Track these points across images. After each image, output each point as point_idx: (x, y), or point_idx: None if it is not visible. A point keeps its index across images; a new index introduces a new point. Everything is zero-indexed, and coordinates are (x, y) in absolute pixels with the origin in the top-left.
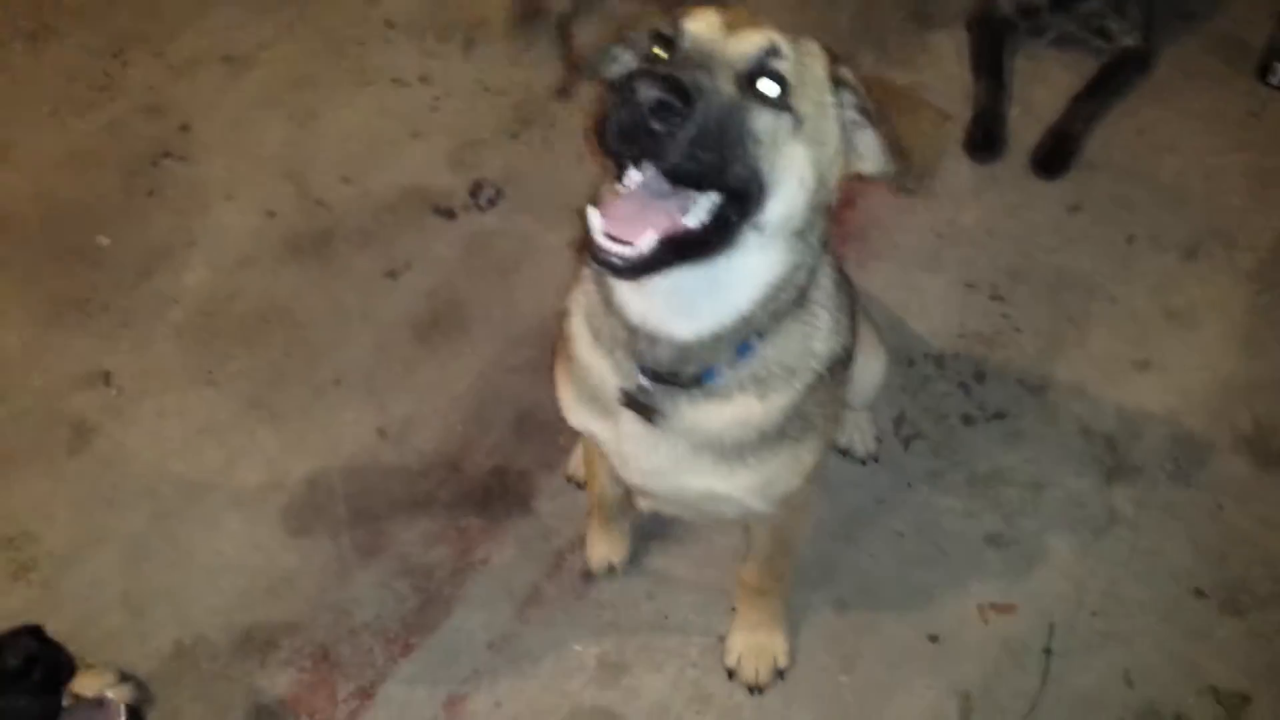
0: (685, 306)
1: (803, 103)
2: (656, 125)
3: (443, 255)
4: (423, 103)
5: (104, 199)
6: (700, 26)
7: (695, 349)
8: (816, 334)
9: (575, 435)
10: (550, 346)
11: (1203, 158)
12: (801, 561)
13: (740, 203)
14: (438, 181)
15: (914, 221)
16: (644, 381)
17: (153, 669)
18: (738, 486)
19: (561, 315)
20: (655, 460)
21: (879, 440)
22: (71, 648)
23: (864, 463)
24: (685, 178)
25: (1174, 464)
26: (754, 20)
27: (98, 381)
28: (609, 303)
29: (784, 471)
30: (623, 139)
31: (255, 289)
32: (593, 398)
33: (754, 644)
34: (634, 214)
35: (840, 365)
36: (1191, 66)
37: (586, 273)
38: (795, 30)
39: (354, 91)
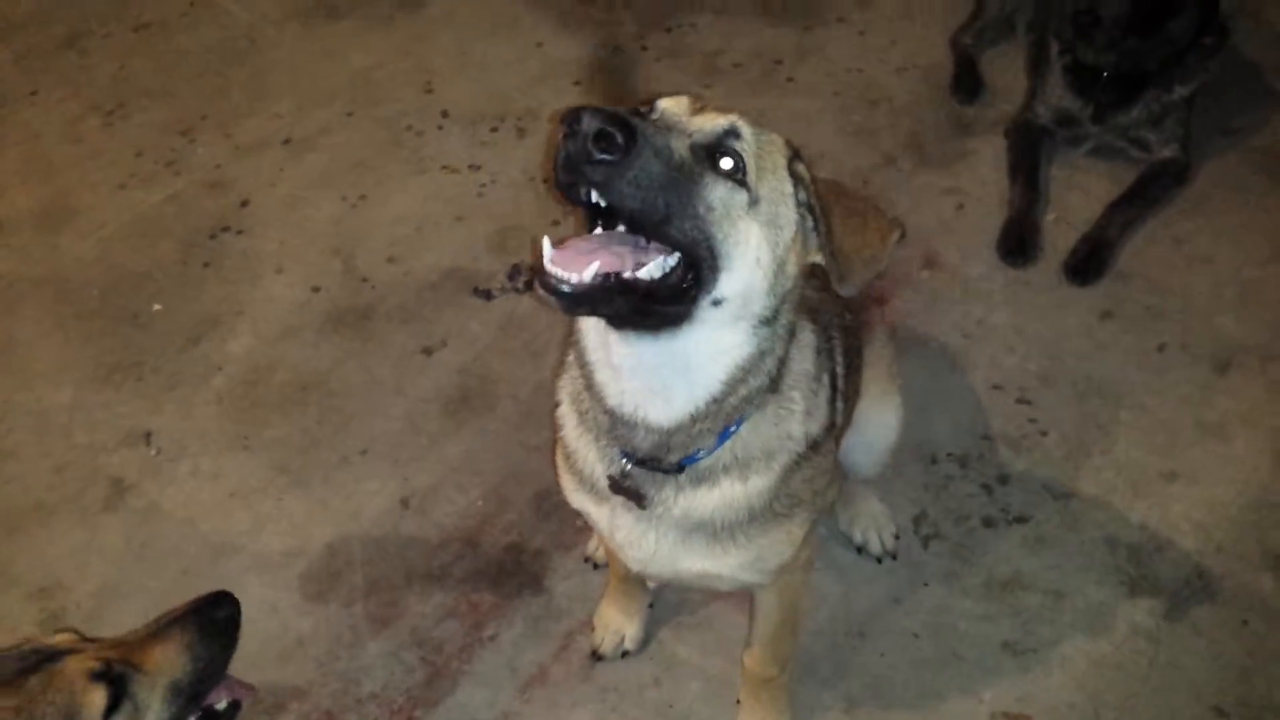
0: (657, 387)
1: (760, 185)
2: (597, 154)
3: (478, 334)
4: (470, 189)
5: (162, 268)
6: (670, 104)
7: (673, 434)
8: (792, 417)
9: None
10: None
11: (1238, 270)
12: (812, 657)
13: (695, 269)
14: (478, 264)
15: (943, 321)
16: (627, 467)
17: None
18: (730, 565)
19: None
20: (647, 546)
21: (898, 538)
22: None
23: (879, 560)
24: (632, 219)
25: (1199, 578)
26: (725, 109)
27: (139, 441)
28: (590, 386)
29: (775, 546)
30: (567, 168)
31: (296, 359)
32: (586, 482)
33: None
34: (586, 251)
35: (820, 443)
36: (1230, 180)
37: (572, 358)
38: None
39: (405, 176)
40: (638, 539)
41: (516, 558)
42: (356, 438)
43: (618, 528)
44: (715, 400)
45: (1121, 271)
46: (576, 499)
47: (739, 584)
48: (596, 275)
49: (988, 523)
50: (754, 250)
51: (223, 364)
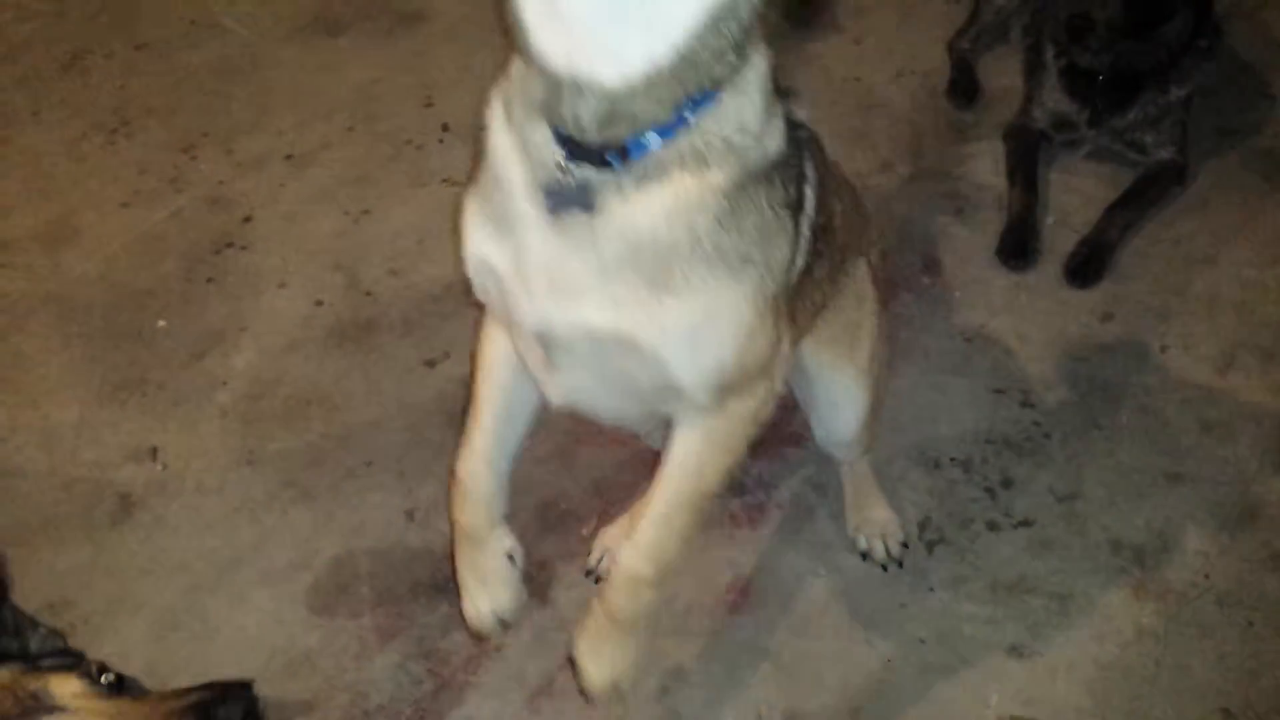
0: (610, 32)
1: None
2: None
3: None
4: None
5: (166, 285)
6: None
7: (625, 100)
8: (752, 112)
9: (598, 527)
10: (575, 434)
11: (1239, 270)
12: (817, 664)
13: None
14: None
15: (943, 326)
16: (563, 161)
17: None
18: (660, 327)
19: None
20: (566, 279)
21: (905, 546)
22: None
23: (884, 568)
24: None
25: (1205, 579)
26: None
27: (145, 457)
28: (528, 52)
29: (717, 318)
30: None
31: (299, 373)
32: (499, 215)
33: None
34: None
35: (779, 170)
36: (1229, 181)
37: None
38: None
39: (407, 190)
40: (555, 271)
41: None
42: (361, 450)
43: (529, 262)
44: (679, 53)
45: (1122, 273)
46: (477, 241)
47: (663, 386)
48: None
49: (992, 526)
50: None
51: (227, 379)
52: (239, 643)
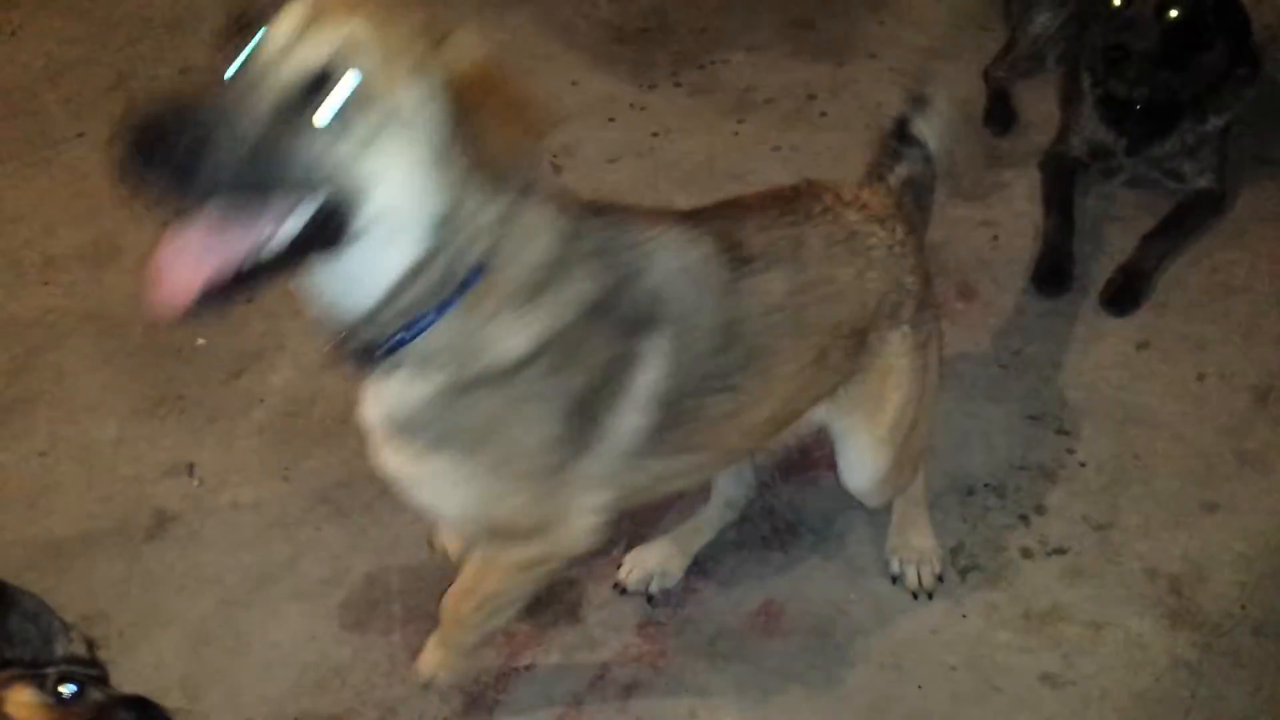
0: (329, 296)
1: (388, 98)
2: (156, 164)
3: None
4: None
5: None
6: (279, 30)
7: (356, 327)
8: (474, 327)
9: (627, 547)
10: None
11: (1277, 299)
12: (847, 689)
13: (344, 201)
14: None
15: (978, 351)
16: (340, 349)
17: None
18: (413, 477)
19: None
20: (374, 441)
21: (940, 579)
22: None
23: (915, 596)
24: (234, 203)
25: (1241, 610)
26: (348, 10)
27: (182, 472)
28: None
29: (455, 485)
30: (132, 175)
31: (336, 391)
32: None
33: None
34: (201, 248)
35: (523, 369)
36: (1268, 210)
37: None
38: None
39: None
40: (371, 423)
41: (552, 587)
42: None
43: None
44: (383, 303)
45: (1158, 301)
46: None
47: (449, 517)
48: (203, 291)
49: (1026, 554)
50: (400, 164)
51: (264, 396)
52: (271, 657)
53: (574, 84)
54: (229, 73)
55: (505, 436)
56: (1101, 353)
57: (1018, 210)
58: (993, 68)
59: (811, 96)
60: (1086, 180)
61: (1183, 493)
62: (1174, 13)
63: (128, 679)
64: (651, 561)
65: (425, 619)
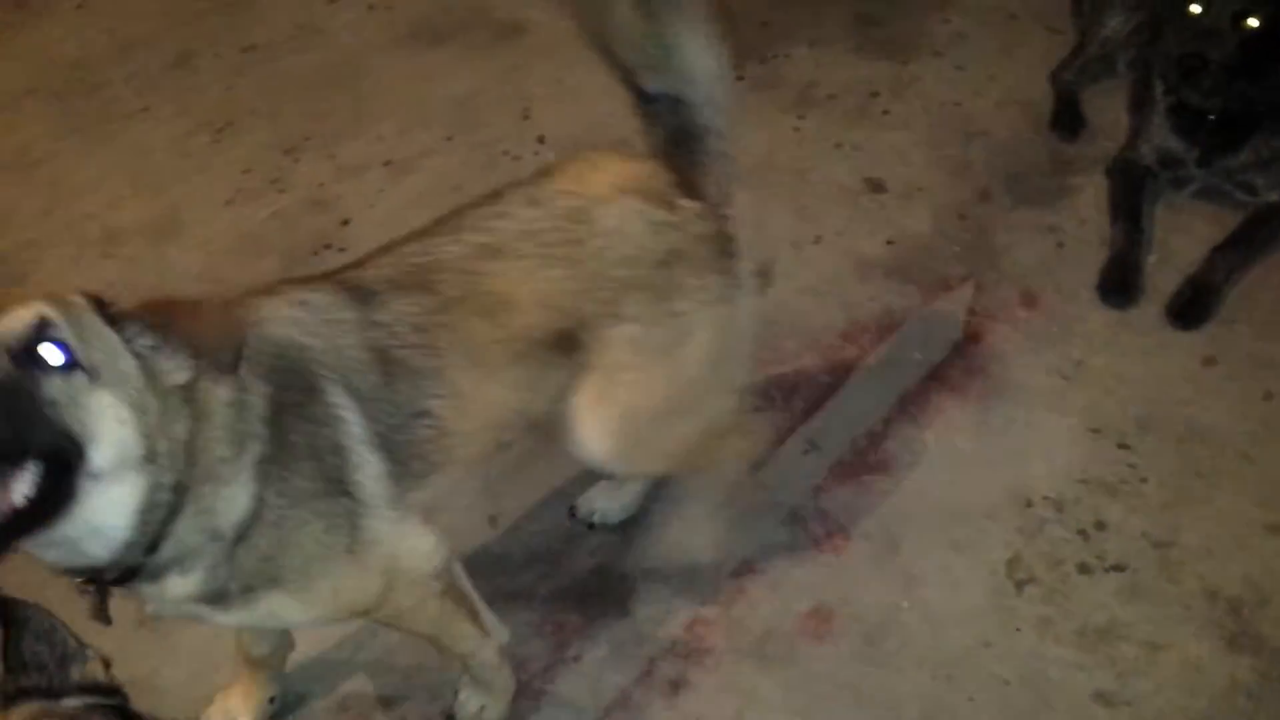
0: (78, 555)
1: (92, 354)
2: None
3: None
4: None
5: (265, 282)
6: None
7: (110, 567)
8: (214, 513)
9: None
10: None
11: None
12: (896, 698)
13: (63, 463)
14: None
15: (1039, 361)
16: (90, 591)
17: None
18: (258, 621)
19: None
20: (167, 614)
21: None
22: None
23: (590, 526)
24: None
25: None
26: (21, 298)
27: None
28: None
29: (275, 617)
30: None
31: None
32: None
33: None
34: None
35: (275, 521)
36: None
37: None
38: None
39: None
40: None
41: (602, 579)
42: None
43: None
44: (129, 543)
45: (1226, 317)
46: None
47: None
48: None
49: (1083, 569)
50: (112, 415)
51: None
52: (324, 634)
53: None
54: None
55: (295, 552)
56: (1167, 367)
57: (1084, 217)
58: (1060, 71)
59: (875, 94)
60: (1155, 189)
61: (1246, 514)
62: (1253, 22)
63: (182, 652)
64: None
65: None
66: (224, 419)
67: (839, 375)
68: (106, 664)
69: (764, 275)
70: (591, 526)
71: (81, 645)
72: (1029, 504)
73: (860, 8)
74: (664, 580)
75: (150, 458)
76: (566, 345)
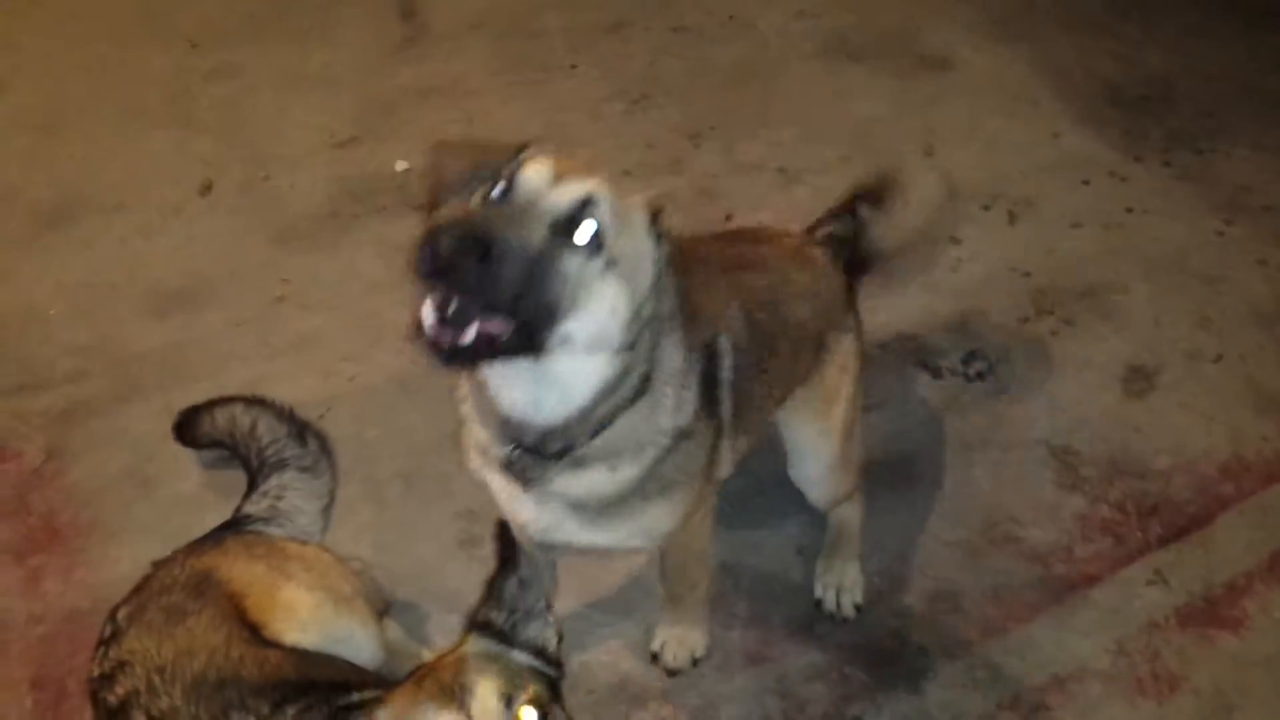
0: (534, 399)
1: (618, 244)
2: (456, 272)
3: (914, 407)
4: (944, 261)
5: None
6: (531, 175)
7: (551, 432)
8: (661, 411)
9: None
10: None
11: None
12: None
13: (530, 323)
14: (933, 337)
15: None
16: (513, 454)
17: None
18: (610, 539)
19: None
20: (532, 517)
21: (859, 608)
22: None
23: (833, 619)
24: (488, 308)
25: None
26: (586, 168)
27: None
28: (484, 396)
29: (650, 524)
30: (429, 276)
31: None
32: (483, 455)
33: (675, 635)
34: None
35: (690, 433)
36: None
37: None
38: None
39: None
40: (524, 510)
41: (898, 646)
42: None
43: (510, 498)
44: (584, 410)
45: None
46: (476, 466)
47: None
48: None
49: None
50: (609, 302)
51: None
52: (621, 611)
53: (1055, 136)
54: (486, 202)
55: (687, 473)
56: None
57: None
58: None
59: None
60: None
61: None
62: None
63: None
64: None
65: (765, 629)
66: (677, 340)
67: (1209, 510)
68: (560, 636)
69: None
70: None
71: (549, 608)
72: None
73: None
74: (965, 670)
75: (628, 346)
76: (817, 341)
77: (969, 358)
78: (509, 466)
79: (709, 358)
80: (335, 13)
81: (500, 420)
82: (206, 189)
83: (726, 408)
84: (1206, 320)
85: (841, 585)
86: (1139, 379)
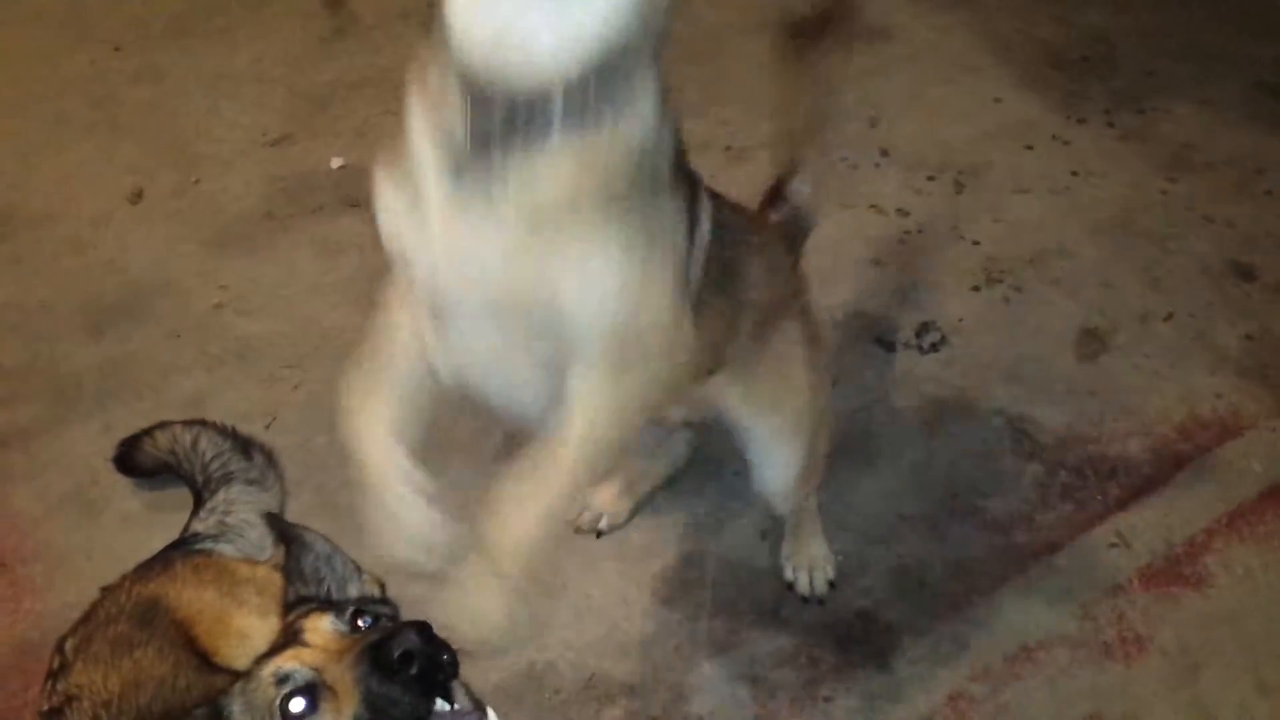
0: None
1: None
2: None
3: (871, 384)
4: (893, 233)
5: None
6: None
7: (532, 96)
8: (649, 111)
9: None
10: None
11: None
12: None
13: None
14: (887, 312)
15: None
16: (474, 125)
17: (502, 680)
18: (554, 278)
19: None
20: (467, 249)
21: (832, 585)
22: None
23: (805, 601)
24: None
25: None
26: None
27: None
28: (444, 74)
29: (603, 272)
30: None
31: None
32: (411, 190)
33: (806, 558)
34: None
35: (676, 179)
36: None
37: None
38: None
39: (831, 207)
40: (457, 242)
41: (865, 625)
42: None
43: (434, 233)
44: (589, 61)
45: None
46: (389, 213)
47: (556, 344)
48: None
49: None
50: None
51: None
52: (583, 607)
53: (996, 101)
54: None
55: (656, 225)
56: None
57: None
58: None
59: (1259, 170)
60: None
61: None
62: None
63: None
64: (599, 502)
65: (733, 616)
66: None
67: (1166, 470)
68: (382, 586)
69: None
70: (599, 535)
71: (358, 569)
72: None
73: (1263, 74)
74: (933, 645)
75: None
76: (761, 317)
77: (922, 330)
78: (462, 170)
79: (691, 194)
80: (261, 8)
81: (463, 85)
82: (137, 197)
83: (695, 269)
84: (1155, 280)
85: (813, 564)
86: (1092, 341)
